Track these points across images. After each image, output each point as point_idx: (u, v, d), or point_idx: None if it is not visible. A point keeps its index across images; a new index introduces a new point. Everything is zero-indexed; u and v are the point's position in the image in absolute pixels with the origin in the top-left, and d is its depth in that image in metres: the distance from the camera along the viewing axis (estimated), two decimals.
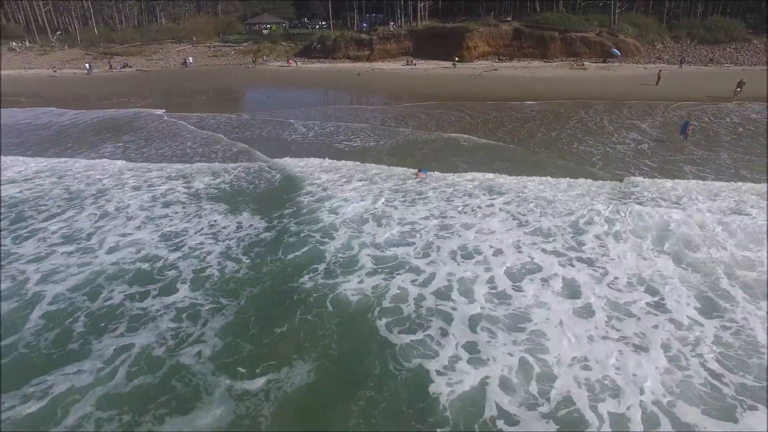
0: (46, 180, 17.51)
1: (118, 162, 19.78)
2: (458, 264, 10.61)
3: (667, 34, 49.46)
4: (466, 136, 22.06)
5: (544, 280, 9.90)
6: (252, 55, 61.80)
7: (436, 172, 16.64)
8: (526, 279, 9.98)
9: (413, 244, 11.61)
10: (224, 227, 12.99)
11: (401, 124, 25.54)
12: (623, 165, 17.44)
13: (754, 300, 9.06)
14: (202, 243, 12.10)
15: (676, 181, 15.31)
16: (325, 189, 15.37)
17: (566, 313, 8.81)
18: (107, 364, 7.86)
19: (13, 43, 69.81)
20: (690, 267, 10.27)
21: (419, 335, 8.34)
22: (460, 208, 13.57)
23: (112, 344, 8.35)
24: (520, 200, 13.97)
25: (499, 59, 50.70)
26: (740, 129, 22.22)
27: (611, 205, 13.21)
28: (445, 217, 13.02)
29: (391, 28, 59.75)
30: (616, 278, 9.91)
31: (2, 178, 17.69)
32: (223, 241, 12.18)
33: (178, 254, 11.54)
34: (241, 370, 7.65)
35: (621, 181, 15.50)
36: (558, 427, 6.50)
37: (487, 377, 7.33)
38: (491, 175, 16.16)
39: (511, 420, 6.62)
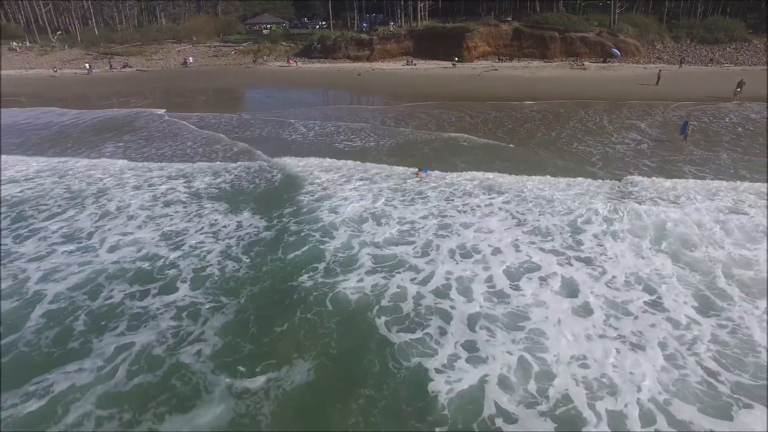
0: (47, 179, 17.56)
1: (119, 161, 19.84)
2: (457, 263, 10.65)
3: (667, 34, 49.47)
4: (465, 135, 22.09)
5: (543, 279, 9.94)
6: (252, 55, 61.85)
7: (435, 172, 16.69)
8: (524, 278, 10.02)
9: (413, 243, 11.65)
10: (224, 226, 13.04)
11: (401, 124, 25.58)
12: (623, 165, 17.47)
13: (751, 299, 9.11)
14: (202, 242, 12.14)
15: (675, 180, 15.34)
16: (325, 188, 15.41)
17: (564, 312, 8.84)
18: (108, 363, 7.90)
19: (14, 43, 69.90)
20: (688, 266, 10.31)
21: (418, 334, 8.38)
22: (459, 208, 13.60)
23: (112, 343, 8.38)
24: (519, 199, 14.01)
25: (499, 59, 50.73)
26: (740, 129, 22.25)
27: (610, 204, 13.25)
28: (445, 217, 13.06)
29: (391, 28, 59.78)
30: (614, 277, 9.95)
31: (4, 178, 17.75)
32: (224, 240, 12.22)
33: (178, 253, 11.58)
34: (241, 368, 7.68)
35: (620, 180, 15.54)
36: (556, 425, 6.54)
37: (486, 376, 7.37)
38: (491, 175, 16.19)
39: (510, 418, 6.65)
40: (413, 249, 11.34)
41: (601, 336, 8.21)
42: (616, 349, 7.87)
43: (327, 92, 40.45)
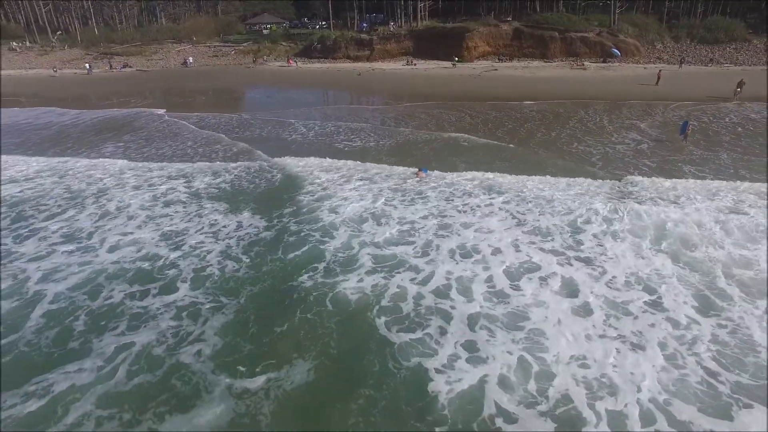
0: (47, 179, 17.57)
1: (119, 161, 19.85)
2: (457, 263, 10.65)
3: (667, 34, 49.48)
4: (465, 135, 22.10)
5: (543, 279, 9.94)
6: (252, 55, 61.85)
7: (435, 172, 16.69)
8: (524, 278, 10.02)
9: (413, 243, 11.65)
10: (224, 226, 13.04)
11: (401, 124, 25.58)
12: (622, 165, 17.47)
13: (751, 299, 9.11)
14: (202, 242, 12.15)
15: (675, 180, 15.34)
16: (325, 188, 15.41)
17: (564, 312, 8.84)
18: (108, 363, 7.90)
19: (14, 43, 69.90)
20: (687, 266, 10.31)
21: (418, 334, 8.38)
22: (459, 208, 13.61)
23: (112, 343, 8.39)
24: (519, 199, 14.01)
25: (499, 59, 50.73)
26: (739, 129, 22.25)
27: (610, 204, 13.25)
28: (445, 216, 13.06)
29: (391, 28, 59.77)
30: (614, 277, 9.95)
31: (4, 178, 17.75)
32: (223, 240, 12.23)
33: (178, 253, 11.58)
34: (241, 368, 7.69)
35: (620, 180, 15.54)
36: (556, 425, 6.54)
37: (486, 376, 7.37)
38: (491, 175, 16.20)
39: (510, 418, 6.66)
40: (413, 249, 11.34)
41: (601, 336, 8.21)
42: (616, 349, 7.88)
43: (327, 92, 40.45)
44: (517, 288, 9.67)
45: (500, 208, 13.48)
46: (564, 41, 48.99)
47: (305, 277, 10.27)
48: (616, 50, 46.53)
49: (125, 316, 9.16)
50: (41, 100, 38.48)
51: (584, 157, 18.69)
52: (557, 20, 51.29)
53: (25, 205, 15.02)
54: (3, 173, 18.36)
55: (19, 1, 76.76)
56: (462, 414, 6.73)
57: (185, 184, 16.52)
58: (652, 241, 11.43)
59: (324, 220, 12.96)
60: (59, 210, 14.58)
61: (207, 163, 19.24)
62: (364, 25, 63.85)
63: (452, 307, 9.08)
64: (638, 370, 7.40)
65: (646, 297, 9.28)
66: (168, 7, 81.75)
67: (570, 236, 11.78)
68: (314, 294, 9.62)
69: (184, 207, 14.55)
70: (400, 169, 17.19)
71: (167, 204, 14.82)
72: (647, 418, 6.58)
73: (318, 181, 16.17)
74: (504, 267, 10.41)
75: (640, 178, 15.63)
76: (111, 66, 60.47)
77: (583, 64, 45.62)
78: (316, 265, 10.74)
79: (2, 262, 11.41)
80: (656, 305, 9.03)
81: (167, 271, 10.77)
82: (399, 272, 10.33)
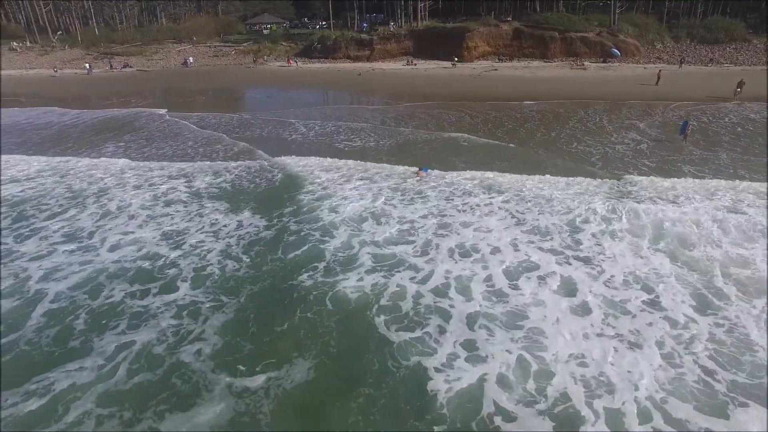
0: (48, 179, 17.62)
1: (120, 161, 19.90)
2: (456, 262, 10.69)
3: (667, 34, 49.50)
4: (465, 135, 22.14)
5: (542, 279, 9.98)
6: (252, 55, 61.90)
7: (435, 171, 16.73)
8: (523, 277, 10.06)
9: (412, 242, 11.69)
10: (225, 226, 13.08)
11: (401, 124, 25.62)
12: (622, 165, 17.50)
13: (748, 297, 9.15)
14: (202, 241, 12.19)
15: (674, 180, 15.37)
16: (325, 188, 15.45)
17: (563, 311, 8.88)
18: (108, 362, 7.94)
19: (14, 43, 69.97)
20: (685, 265, 10.35)
21: (417, 333, 8.42)
22: (459, 207, 13.64)
23: (113, 342, 8.43)
24: (519, 199, 14.05)
25: (499, 59, 50.76)
26: (739, 129, 22.27)
27: (608, 204, 13.29)
28: (444, 216, 13.10)
29: (392, 28, 59.79)
30: (612, 276, 9.99)
31: (5, 178, 17.80)
32: (224, 239, 12.27)
33: (178, 252, 11.63)
34: (241, 367, 7.72)
35: (619, 180, 15.57)
36: (555, 424, 6.57)
37: (485, 374, 7.40)
38: (490, 174, 16.24)
39: (509, 417, 6.69)
40: (413, 248, 11.38)
41: (599, 335, 8.25)
42: (614, 347, 7.92)
43: (327, 92, 40.49)
44: (515, 287, 9.70)
45: (500, 208, 13.52)
46: (564, 41, 49.01)
47: (305, 276, 10.31)
48: (616, 50, 46.55)
49: (126, 315, 9.20)
50: (41, 100, 38.55)
51: (584, 156, 18.73)
52: (557, 20, 51.31)
53: (26, 205, 15.07)
54: (4, 173, 18.41)
55: (20, 1, 76.80)
56: (461, 413, 6.77)
57: (186, 184, 16.56)
58: (651, 240, 11.46)
59: (324, 219, 13.00)
60: (60, 209, 14.63)
61: (208, 162, 19.28)
62: (364, 25, 63.88)
63: (451, 306, 9.12)
64: (636, 368, 7.44)
65: (644, 296, 9.32)
66: (168, 7, 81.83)
67: (569, 235, 11.82)
68: (314, 293, 9.66)
69: (185, 206, 14.59)
70: (401, 168, 17.23)
71: (168, 203, 14.87)
72: (644, 416, 6.62)
73: (318, 180, 16.21)
74: (503, 266, 10.45)
75: (639, 177, 15.67)
76: (111, 66, 60.54)
77: (583, 64, 45.65)
78: (316, 264, 10.78)
79: (3, 261, 11.46)
80: (654, 304, 9.07)
81: (168, 271, 10.82)
82: (398, 271, 10.37)
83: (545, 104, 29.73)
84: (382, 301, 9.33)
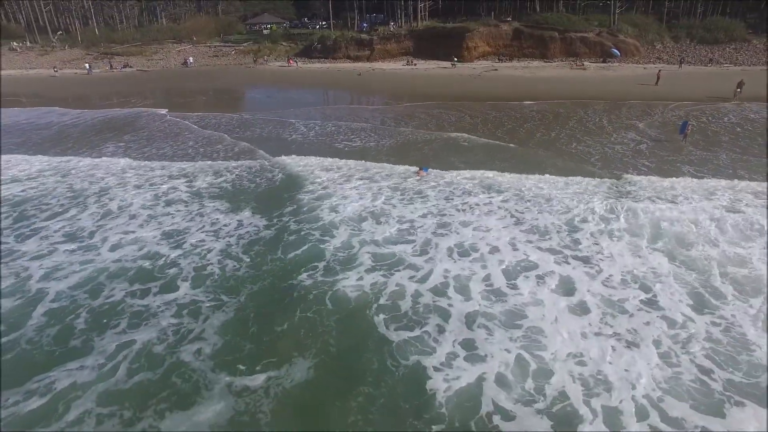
0: (49, 179, 17.66)
1: (121, 161, 19.95)
2: (455, 261, 10.73)
3: (666, 34, 49.50)
4: (465, 135, 22.17)
5: (540, 278, 10.02)
6: (252, 55, 61.90)
7: (435, 171, 16.76)
8: (522, 276, 10.10)
9: (412, 241, 11.73)
10: (225, 225, 13.13)
11: (401, 124, 25.65)
12: (621, 165, 17.53)
13: (744, 297, 9.20)
14: (203, 240, 12.23)
15: (673, 179, 15.40)
16: (325, 187, 15.50)
17: (561, 311, 8.93)
18: (109, 361, 7.99)
19: (14, 43, 70.00)
20: (683, 264, 10.40)
21: (417, 332, 8.46)
22: (458, 206, 13.68)
23: (113, 341, 8.48)
24: (518, 198, 14.09)
25: (499, 59, 50.76)
26: (738, 129, 22.30)
27: (607, 203, 13.32)
28: (444, 215, 13.14)
29: (392, 28, 59.78)
30: (610, 276, 10.04)
31: (6, 177, 17.84)
32: (224, 238, 12.31)
33: (179, 252, 11.67)
34: (241, 366, 7.77)
35: (618, 179, 15.61)
36: (553, 422, 6.62)
37: (483, 373, 7.45)
38: (490, 174, 16.28)
39: (508, 416, 6.73)
40: (412, 247, 11.43)
41: (597, 334, 8.30)
42: (612, 346, 7.96)
43: (327, 92, 40.52)
44: (514, 287, 9.75)
45: (499, 207, 13.56)
46: (564, 41, 49.01)
47: (305, 275, 10.35)
48: (615, 50, 46.56)
49: (126, 315, 9.25)
50: (42, 100, 38.60)
51: (583, 156, 18.76)
52: (557, 20, 51.30)
53: (27, 205, 15.11)
54: (5, 173, 18.45)
55: (20, 1, 76.82)
56: (460, 411, 6.81)
57: (187, 184, 16.61)
58: (649, 239, 11.51)
59: (324, 219, 13.04)
60: (61, 209, 14.67)
61: (208, 162, 19.32)
62: (364, 25, 63.88)
63: (450, 306, 9.16)
64: (633, 367, 7.49)
65: (642, 295, 9.37)
66: (168, 7, 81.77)
67: (567, 235, 11.86)
68: (314, 292, 9.70)
69: (186, 206, 14.64)
70: (400, 168, 17.27)
71: (169, 203, 14.91)
72: (641, 415, 6.67)
73: (318, 180, 16.26)
74: (502, 266, 10.49)
75: (638, 177, 15.71)
76: (111, 66, 60.55)
77: (583, 64, 45.66)
78: (316, 263, 10.83)
79: (4, 260, 11.50)
80: (652, 303, 9.11)
81: (168, 270, 10.86)
82: (398, 270, 10.42)
83: (545, 104, 29.75)
84: (382, 301, 9.37)
